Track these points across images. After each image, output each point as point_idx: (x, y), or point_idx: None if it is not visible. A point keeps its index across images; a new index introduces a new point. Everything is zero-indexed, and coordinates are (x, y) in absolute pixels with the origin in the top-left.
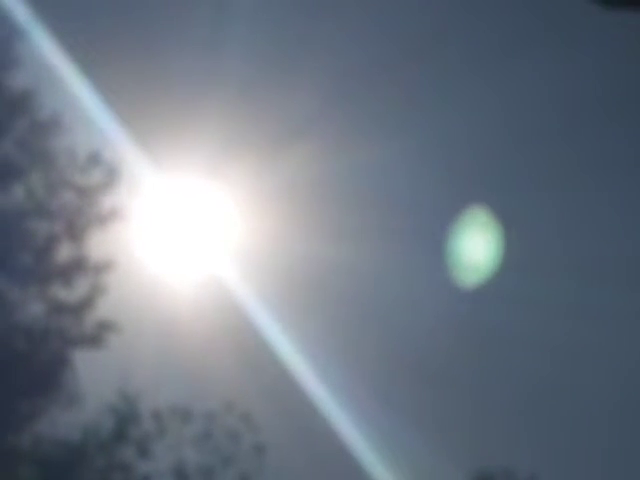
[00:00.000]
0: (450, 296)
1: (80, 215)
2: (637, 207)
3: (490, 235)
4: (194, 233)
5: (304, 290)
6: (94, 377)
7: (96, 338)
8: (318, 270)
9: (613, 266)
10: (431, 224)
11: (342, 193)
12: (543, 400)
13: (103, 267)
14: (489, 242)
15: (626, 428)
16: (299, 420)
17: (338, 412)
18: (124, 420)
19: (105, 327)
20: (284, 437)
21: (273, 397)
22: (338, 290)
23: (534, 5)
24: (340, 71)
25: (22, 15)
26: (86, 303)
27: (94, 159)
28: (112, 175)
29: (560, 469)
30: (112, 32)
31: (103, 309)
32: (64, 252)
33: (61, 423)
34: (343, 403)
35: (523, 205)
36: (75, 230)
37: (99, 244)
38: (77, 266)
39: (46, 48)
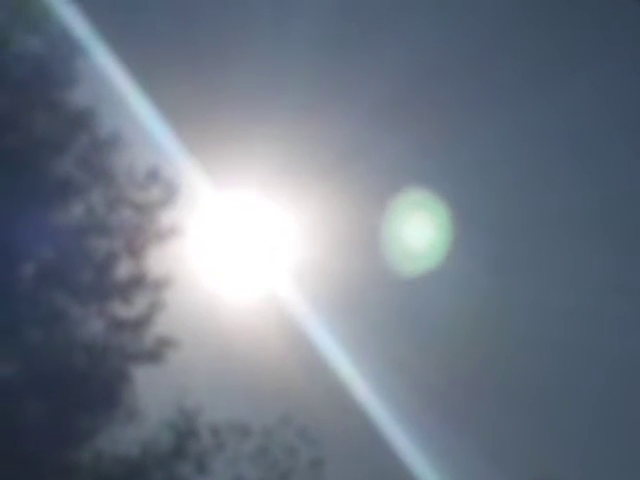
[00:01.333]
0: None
1: (139, 232)
2: None
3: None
4: (253, 249)
5: (363, 306)
6: (153, 393)
7: (155, 354)
8: (378, 286)
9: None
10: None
11: (402, 208)
12: (601, 414)
13: (162, 283)
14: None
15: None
16: (356, 434)
17: (395, 427)
18: (182, 436)
19: (164, 343)
20: (342, 451)
21: (330, 412)
22: (398, 306)
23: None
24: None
25: (82, 31)
26: (145, 319)
27: (153, 176)
28: (171, 192)
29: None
30: (172, 48)
31: (162, 325)
32: (123, 269)
33: (120, 439)
34: (400, 418)
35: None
36: (134, 247)
37: (158, 261)
38: (136, 283)
39: (106, 65)
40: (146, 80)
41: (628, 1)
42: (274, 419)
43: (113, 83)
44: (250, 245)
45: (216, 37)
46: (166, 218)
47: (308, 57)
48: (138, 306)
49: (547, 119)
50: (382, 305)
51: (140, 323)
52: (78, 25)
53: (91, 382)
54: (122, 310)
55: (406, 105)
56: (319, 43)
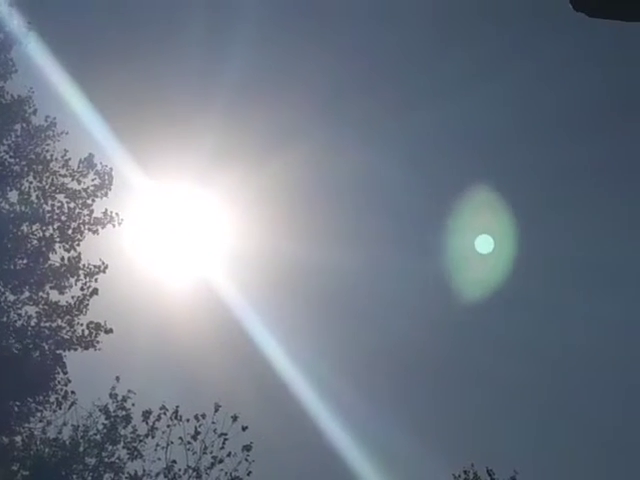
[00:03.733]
0: (441, 297)
1: (74, 219)
2: None
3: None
4: (184, 237)
5: (290, 290)
6: (86, 378)
7: (88, 340)
8: (304, 271)
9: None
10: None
11: (329, 196)
12: (528, 401)
13: (96, 270)
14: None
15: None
16: (286, 419)
17: (324, 411)
18: (115, 420)
19: (97, 329)
20: (271, 437)
21: (261, 397)
22: (324, 290)
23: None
24: (327, 79)
25: (17, 22)
26: (79, 305)
27: (87, 164)
28: (105, 180)
29: (540, 470)
30: (106, 39)
31: (95, 311)
32: (58, 255)
33: (53, 423)
34: (330, 403)
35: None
36: (68, 234)
37: (92, 247)
38: (70, 269)
39: (41, 55)
40: (81, 70)
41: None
42: (206, 405)
43: (48, 73)
44: (183, 233)
45: (149, 25)
46: (100, 205)
47: (244, 41)
48: (72, 292)
49: None
50: (313, 292)
51: (73, 309)
52: (13, 16)
53: (24, 367)
54: (56, 296)
55: (342, 94)
56: (250, 44)
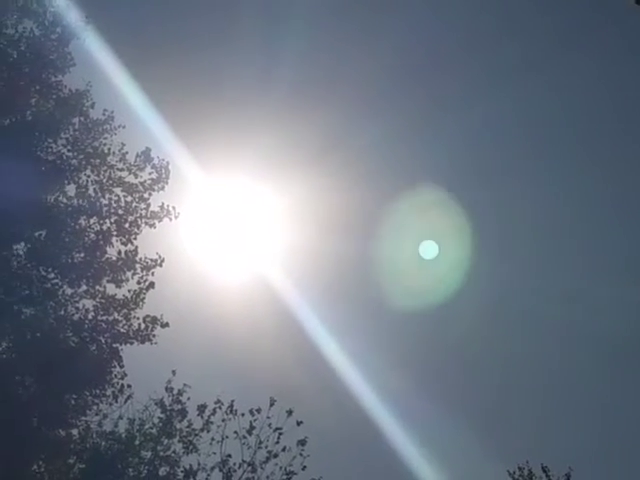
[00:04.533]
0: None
1: (130, 212)
2: None
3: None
4: (240, 231)
5: (346, 286)
6: (142, 372)
7: (144, 334)
8: (360, 267)
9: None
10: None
11: (383, 192)
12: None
13: (152, 264)
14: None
15: None
16: (342, 415)
17: (381, 408)
18: (170, 414)
19: (153, 322)
20: (328, 432)
21: (317, 392)
22: (380, 285)
23: None
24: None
25: (75, 16)
26: (135, 299)
27: (144, 158)
28: (162, 173)
29: (596, 469)
30: (162, 32)
31: (152, 305)
32: (115, 249)
33: (109, 416)
34: (386, 400)
35: None
36: (125, 227)
37: (149, 241)
38: (127, 262)
39: (99, 49)
40: (138, 64)
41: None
42: (261, 399)
43: (106, 67)
44: (239, 227)
45: (206, 20)
46: (157, 199)
47: (298, 48)
48: (129, 286)
49: None
50: (369, 289)
51: (130, 303)
52: (71, 10)
53: (81, 360)
54: (112, 289)
55: (385, 95)
56: (307, 40)
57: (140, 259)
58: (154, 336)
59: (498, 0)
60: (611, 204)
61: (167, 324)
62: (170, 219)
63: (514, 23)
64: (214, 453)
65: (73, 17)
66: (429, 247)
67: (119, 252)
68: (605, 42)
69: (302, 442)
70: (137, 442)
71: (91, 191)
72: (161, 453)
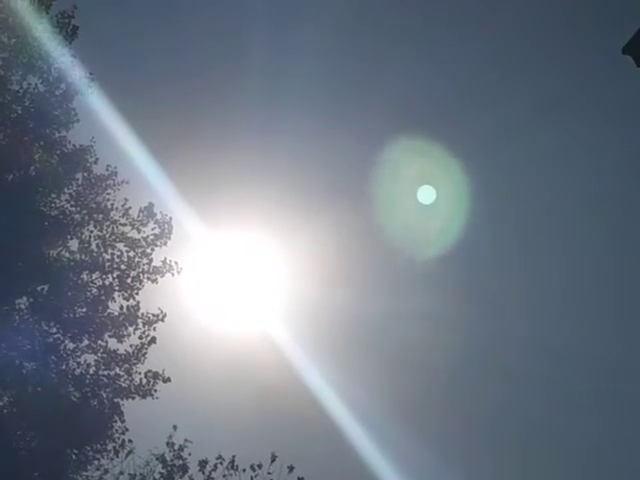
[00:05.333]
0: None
1: (133, 268)
2: None
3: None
4: (244, 285)
5: (349, 343)
6: (143, 427)
7: (146, 389)
8: (364, 325)
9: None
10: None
11: (386, 246)
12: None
13: (154, 319)
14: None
15: None
16: (345, 470)
17: (382, 459)
18: (172, 470)
19: (155, 377)
20: None
21: (320, 448)
22: (383, 344)
23: None
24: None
25: (79, 73)
26: (137, 354)
27: (147, 213)
28: (164, 229)
29: None
30: (166, 88)
31: (154, 360)
32: (117, 304)
33: (110, 471)
34: (394, 459)
35: None
36: (128, 282)
37: (151, 296)
38: (129, 317)
39: (102, 105)
40: (142, 121)
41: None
42: (262, 455)
43: (109, 123)
44: (241, 283)
45: (212, 80)
46: (160, 254)
47: (299, 101)
48: (130, 341)
49: None
50: (370, 341)
51: (132, 357)
52: (75, 66)
53: (82, 415)
54: (114, 344)
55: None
56: (309, 93)
57: (142, 314)
58: (156, 391)
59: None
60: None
61: (169, 379)
62: (172, 274)
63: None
64: None
65: (77, 74)
66: (427, 192)
67: (121, 307)
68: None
69: None
70: None
71: (94, 246)
72: None
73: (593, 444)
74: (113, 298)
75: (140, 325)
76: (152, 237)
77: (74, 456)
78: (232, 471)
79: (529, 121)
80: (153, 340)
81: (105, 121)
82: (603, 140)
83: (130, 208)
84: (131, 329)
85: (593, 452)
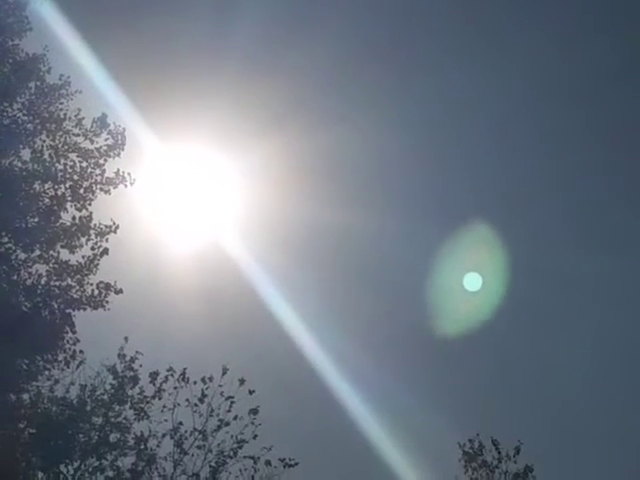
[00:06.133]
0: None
1: (85, 178)
2: None
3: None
4: (196, 199)
5: (302, 253)
6: (94, 338)
7: (97, 299)
8: (315, 233)
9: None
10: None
11: (331, 164)
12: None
13: (107, 230)
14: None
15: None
16: (295, 382)
17: (336, 374)
18: (122, 381)
19: (107, 289)
20: (280, 400)
21: (270, 360)
22: (333, 251)
23: None
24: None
25: None
26: (89, 265)
27: (100, 124)
28: (118, 140)
29: (545, 443)
30: (120, 1)
31: (106, 271)
32: (69, 214)
33: (61, 382)
34: (340, 366)
35: None
36: (80, 193)
37: (103, 207)
38: (81, 228)
39: (54, 15)
40: (93, 30)
41: None
42: (214, 367)
43: (61, 33)
44: (195, 195)
45: None
46: (112, 166)
47: (253, 15)
48: (82, 252)
49: None
50: (325, 254)
51: (84, 268)
52: None
53: (34, 325)
54: (66, 255)
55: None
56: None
57: (94, 225)
58: (107, 302)
59: None
60: None
61: (121, 291)
62: (125, 185)
63: None
64: (165, 420)
65: None
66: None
67: (73, 218)
68: None
69: (254, 411)
70: (88, 408)
71: (46, 156)
72: (112, 419)
73: None
74: (65, 209)
75: (92, 236)
76: (105, 148)
77: (25, 366)
78: (183, 383)
79: None
80: (105, 251)
81: (58, 30)
82: None
83: (83, 118)
84: (83, 240)
85: None
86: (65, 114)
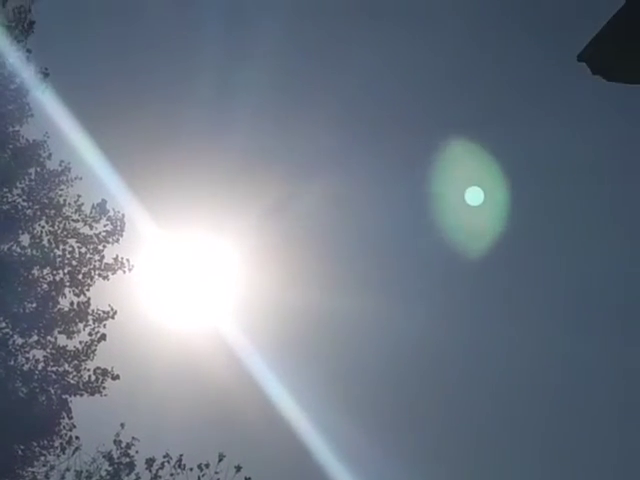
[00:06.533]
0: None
1: (84, 264)
2: None
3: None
4: (195, 284)
5: (299, 339)
6: (90, 424)
7: (94, 385)
8: (314, 320)
9: None
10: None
11: (336, 246)
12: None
13: (105, 316)
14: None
15: None
16: (294, 469)
17: (333, 458)
18: (118, 467)
19: (104, 375)
20: None
21: (269, 445)
22: (334, 339)
23: None
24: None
25: (34, 68)
26: (86, 350)
27: (100, 210)
28: (117, 226)
29: None
30: (120, 89)
31: (103, 357)
32: (67, 300)
33: (57, 468)
34: (341, 452)
35: None
36: (78, 279)
37: (102, 293)
38: (79, 314)
39: (55, 102)
40: (93, 117)
41: None
42: (210, 454)
43: (62, 120)
44: (193, 280)
45: (161, 78)
46: (111, 251)
47: (255, 99)
48: (80, 337)
49: None
50: (319, 338)
51: (81, 354)
52: (29, 63)
53: (30, 411)
54: (64, 340)
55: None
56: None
57: (92, 311)
58: (104, 388)
59: None
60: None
61: (118, 376)
62: (124, 271)
63: None
64: None
65: (31, 69)
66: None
67: (71, 303)
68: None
69: None
70: None
71: (45, 242)
72: None
73: None
74: (64, 294)
75: (90, 322)
76: (104, 234)
77: (20, 452)
78: (179, 470)
79: None
80: (103, 337)
81: (59, 117)
82: None
83: (83, 204)
84: (81, 325)
85: None
86: (65, 200)
